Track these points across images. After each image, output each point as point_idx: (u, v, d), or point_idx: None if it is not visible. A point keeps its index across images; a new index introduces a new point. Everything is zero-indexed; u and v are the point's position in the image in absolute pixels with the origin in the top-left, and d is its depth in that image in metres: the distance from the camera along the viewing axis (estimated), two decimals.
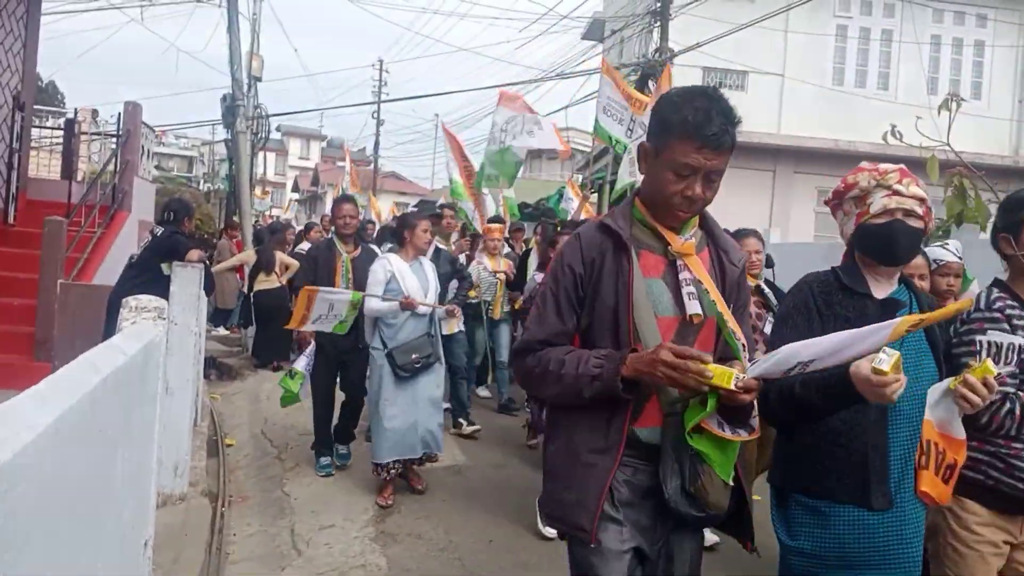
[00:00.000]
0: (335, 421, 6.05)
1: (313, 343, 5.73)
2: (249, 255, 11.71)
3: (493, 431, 7.15)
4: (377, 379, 5.25)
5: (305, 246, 10.52)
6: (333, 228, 5.96)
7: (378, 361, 5.23)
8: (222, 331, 12.93)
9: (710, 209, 2.21)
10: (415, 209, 11.62)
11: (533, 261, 7.51)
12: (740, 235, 4.51)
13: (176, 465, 4.96)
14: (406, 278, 5.28)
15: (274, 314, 10.21)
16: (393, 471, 5.23)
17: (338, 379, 6.04)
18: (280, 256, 10.46)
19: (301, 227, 15.69)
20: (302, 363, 5.70)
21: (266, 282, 10.30)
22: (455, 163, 9.84)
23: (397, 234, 5.63)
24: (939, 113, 6.22)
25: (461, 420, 7.06)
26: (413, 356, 5.16)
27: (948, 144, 6.10)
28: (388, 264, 5.29)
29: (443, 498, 5.34)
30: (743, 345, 1.99)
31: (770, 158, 16.11)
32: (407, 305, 5.17)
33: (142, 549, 2.85)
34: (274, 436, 6.92)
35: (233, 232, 13.93)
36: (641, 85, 13.62)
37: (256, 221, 17.96)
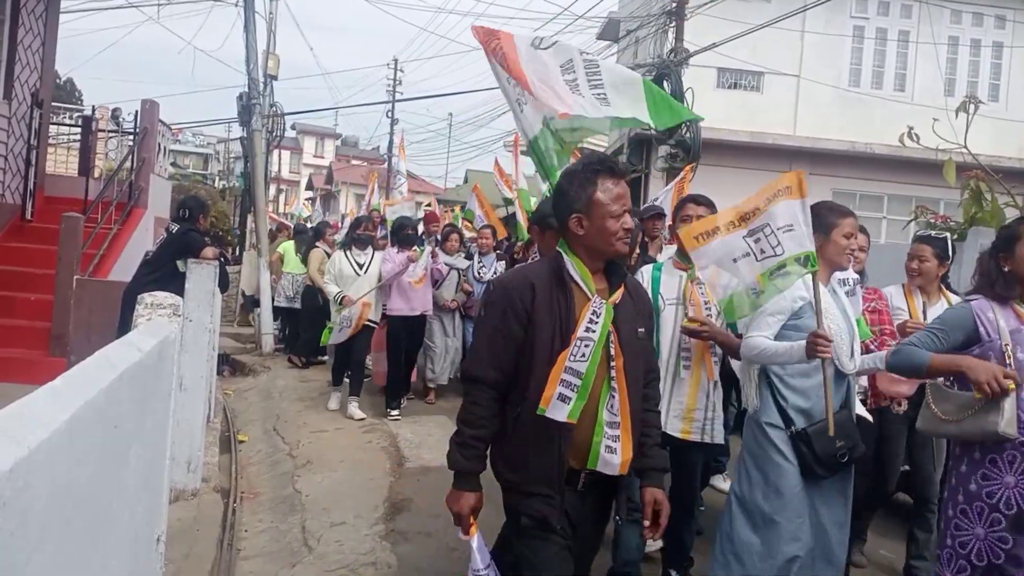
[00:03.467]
0: None
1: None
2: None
3: None
4: (764, 474, 3.21)
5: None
6: (564, 244, 2.61)
7: (776, 445, 3.18)
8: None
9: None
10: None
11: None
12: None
13: (189, 461, 5.00)
14: (830, 312, 3.22)
15: (306, 309, 10.27)
16: None
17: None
18: (314, 256, 10.15)
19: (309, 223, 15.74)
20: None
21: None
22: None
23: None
24: (956, 115, 6.17)
25: None
26: (839, 443, 3.12)
27: (965, 147, 6.05)
28: (801, 282, 3.24)
29: None
30: None
31: (785, 159, 16.01)
32: (817, 348, 3.02)
33: (154, 544, 2.87)
34: (286, 433, 6.95)
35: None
36: (657, 85, 13.58)
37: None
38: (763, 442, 3.22)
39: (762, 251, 3.20)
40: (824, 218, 3.36)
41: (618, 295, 2.53)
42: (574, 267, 2.50)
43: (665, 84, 13.39)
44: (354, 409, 7.42)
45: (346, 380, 7.78)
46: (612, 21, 19.06)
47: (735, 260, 3.25)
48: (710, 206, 3.85)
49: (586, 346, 2.37)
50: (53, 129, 11.44)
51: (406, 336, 7.62)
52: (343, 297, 7.32)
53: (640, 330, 2.60)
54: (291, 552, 4.47)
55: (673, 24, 13.92)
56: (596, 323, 2.40)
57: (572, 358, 2.36)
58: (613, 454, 2.42)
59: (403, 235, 7.69)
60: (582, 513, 2.53)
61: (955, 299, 4.22)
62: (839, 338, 3.18)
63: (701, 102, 13.40)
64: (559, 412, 2.34)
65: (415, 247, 7.61)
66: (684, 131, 13.34)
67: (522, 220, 9.29)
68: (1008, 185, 6.29)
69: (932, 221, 6.27)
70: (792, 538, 3.10)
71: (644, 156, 15.51)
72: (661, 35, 14.40)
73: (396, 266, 7.37)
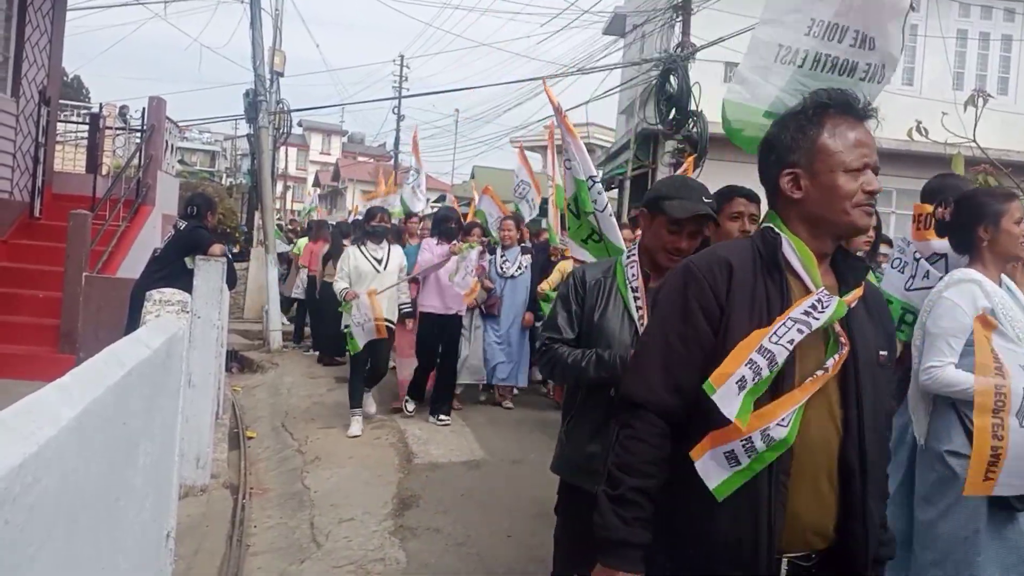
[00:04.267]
0: None
1: None
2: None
3: (510, 426, 7.15)
4: (944, 511, 2.78)
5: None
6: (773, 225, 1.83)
7: (959, 477, 2.67)
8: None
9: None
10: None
11: None
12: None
13: (198, 457, 5.01)
14: (1016, 319, 2.75)
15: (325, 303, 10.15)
16: None
17: None
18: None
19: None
20: None
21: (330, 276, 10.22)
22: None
23: (963, 228, 2.96)
24: (965, 109, 6.14)
25: None
26: None
27: (974, 141, 6.03)
28: (978, 289, 2.78)
29: (461, 493, 5.35)
30: None
31: None
32: None
33: (164, 541, 2.88)
34: (295, 429, 6.97)
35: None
36: (663, 81, 13.55)
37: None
38: (944, 474, 2.76)
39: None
40: (988, 207, 2.87)
41: (854, 296, 1.73)
42: (792, 248, 1.72)
43: (672, 79, 13.36)
44: (365, 408, 7.05)
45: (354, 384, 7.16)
46: (618, 16, 19.01)
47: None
48: (758, 201, 3.45)
49: (799, 330, 1.62)
50: (61, 127, 11.48)
51: (438, 336, 7.12)
52: (346, 292, 6.70)
53: (882, 353, 1.80)
54: (300, 548, 4.48)
55: (680, 18, 13.88)
56: (821, 312, 1.64)
57: (774, 337, 1.62)
58: None
59: (445, 228, 7.21)
60: None
61: None
62: None
63: (708, 97, 13.37)
64: (730, 400, 1.61)
65: (455, 241, 6.97)
66: (691, 126, 13.31)
67: (554, 220, 8.90)
68: (1017, 179, 6.25)
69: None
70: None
71: (651, 151, 15.49)
72: (668, 30, 14.36)
73: (435, 258, 6.90)
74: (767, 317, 1.66)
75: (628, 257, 2.77)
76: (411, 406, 7.22)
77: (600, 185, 4.69)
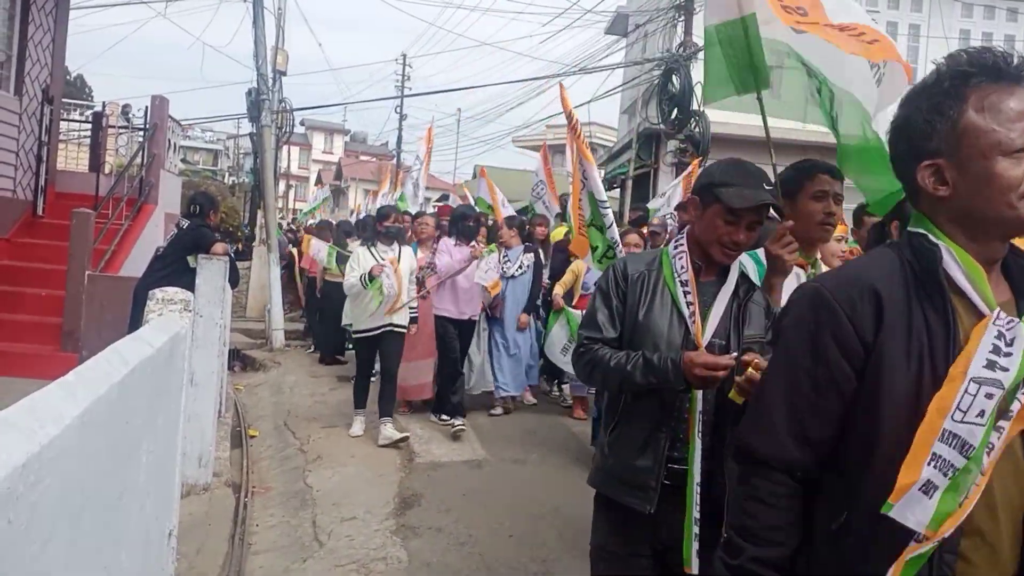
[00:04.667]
0: None
1: None
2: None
3: (512, 426, 7.14)
4: None
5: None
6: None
7: None
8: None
9: None
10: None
11: None
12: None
13: (200, 456, 5.02)
14: None
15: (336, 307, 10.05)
16: None
17: None
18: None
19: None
20: None
21: (333, 275, 10.13)
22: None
23: None
24: None
25: None
26: None
27: None
28: None
29: (463, 492, 5.35)
30: None
31: (796, 153, 15.92)
32: None
33: (166, 539, 2.88)
34: (297, 428, 6.97)
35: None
36: (665, 80, 13.56)
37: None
38: None
39: None
40: None
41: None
42: (956, 260, 1.36)
43: (674, 79, 13.36)
44: (389, 431, 6.34)
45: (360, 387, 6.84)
46: (620, 15, 19.03)
47: None
48: (841, 178, 2.93)
49: (987, 395, 1.23)
50: (64, 125, 11.49)
51: (455, 339, 6.88)
52: (373, 266, 6.30)
53: None
54: (302, 547, 4.48)
55: (682, 18, 13.88)
56: (1008, 353, 1.25)
57: (958, 414, 1.23)
58: None
59: (463, 227, 6.90)
60: None
61: None
62: None
63: None
64: (918, 511, 1.24)
65: (473, 243, 6.72)
66: (693, 126, 13.32)
67: (574, 215, 8.63)
68: None
69: None
70: None
71: (653, 150, 15.49)
72: (670, 29, 14.37)
73: (454, 262, 6.65)
74: (929, 356, 1.31)
75: (676, 247, 2.44)
76: (459, 421, 6.72)
77: (610, 211, 4.88)
